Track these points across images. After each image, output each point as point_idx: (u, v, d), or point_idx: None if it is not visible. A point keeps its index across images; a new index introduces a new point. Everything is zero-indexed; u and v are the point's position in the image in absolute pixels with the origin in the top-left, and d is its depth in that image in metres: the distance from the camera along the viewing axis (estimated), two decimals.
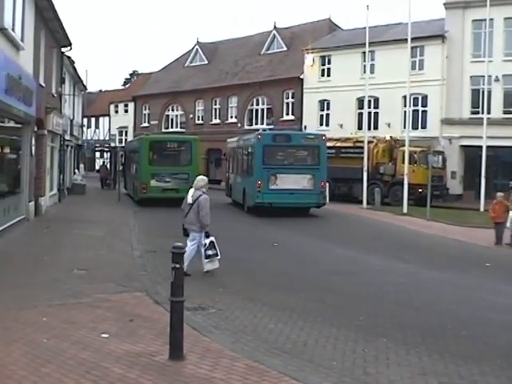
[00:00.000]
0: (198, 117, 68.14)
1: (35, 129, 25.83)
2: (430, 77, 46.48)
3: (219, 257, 15.54)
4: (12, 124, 22.24)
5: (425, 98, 47.58)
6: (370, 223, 30.38)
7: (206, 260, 15.40)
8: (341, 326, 10.66)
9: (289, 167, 31.75)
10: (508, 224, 22.31)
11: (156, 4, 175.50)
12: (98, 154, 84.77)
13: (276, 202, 31.15)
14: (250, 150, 34.63)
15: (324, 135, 33.88)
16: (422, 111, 47.92)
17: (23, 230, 22.32)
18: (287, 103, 58.08)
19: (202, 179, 16.10)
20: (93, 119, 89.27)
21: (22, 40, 21.52)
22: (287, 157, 32.16)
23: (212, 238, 15.49)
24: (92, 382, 7.36)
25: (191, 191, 15.79)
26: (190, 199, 15.60)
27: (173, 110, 72.01)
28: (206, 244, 15.38)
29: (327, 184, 33.14)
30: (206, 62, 71.92)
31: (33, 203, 25.64)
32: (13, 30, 19.80)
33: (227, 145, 45.38)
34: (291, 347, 9.41)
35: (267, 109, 60.35)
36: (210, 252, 15.40)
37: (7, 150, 22.16)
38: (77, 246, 19.08)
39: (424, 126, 47.61)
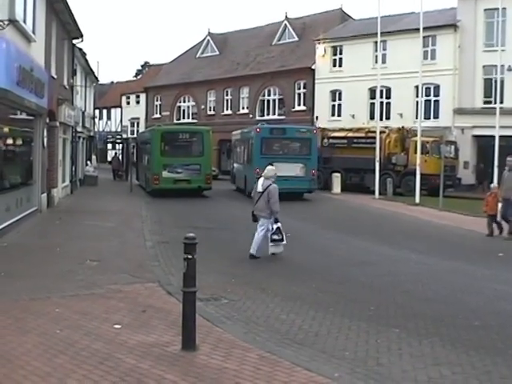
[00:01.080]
0: (210, 108, 68.15)
1: (47, 120, 25.89)
2: (443, 66, 46.34)
3: (284, 242, 16.79)
4: (24, 116, 22.30)
5: (437, 87, 47.42)
6: (382, 213, 30.33)
7: (271, 244, 16.68)
8: (353, 317, 10.64)
9: (284, 157, 35.52)
10: (498, 217, 22.10)
11: None
12: (109, 146, 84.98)
13: None
14: (250, 142, 38.62)
15: (315, 129, 38.79)
16: (435, 101, 47.79)
17: (36, 221, 22.40)
18: (299, 94, 58.01)
19: (271, 169, 17.26)
20: (104, 111, 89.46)
21: (34, 32, 21.54)
22: (282, 148, 36.42)
23: (279, 224, 16.74)
24: (105, 373, 7.38)
25: (261, 180, 17.05)
26: (260, 188, 16.87)
27: (184, 101, 72.03)
28: (273, 229, 16.60)
29: (316, 172, 37.41)
30: (218, 52, 71.88)
31: (45, 195, 25.72)
32: (24, 22, 19.81)
33: (232, 137, 48.15)
34: (303, 337, 9.41)
35: (279, 99, 60.30)
36: (275, 237, 16.65)
37: (19, 142, 22.23)
38: (89, 237, 19.14)
39: (436, 116, 47.47)
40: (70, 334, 8.96)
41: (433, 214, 29.82)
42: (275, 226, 16.65)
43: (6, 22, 17.14)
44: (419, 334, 9.76)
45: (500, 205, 21.81)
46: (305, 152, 36.39)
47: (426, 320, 10.58)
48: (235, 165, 45.23)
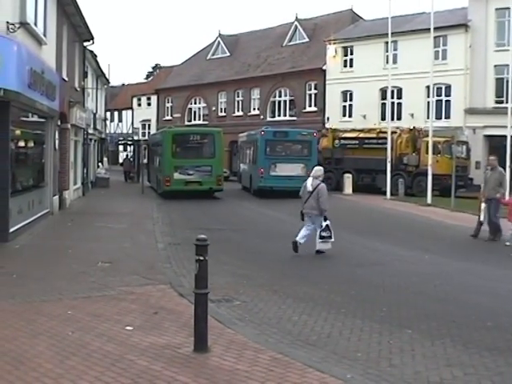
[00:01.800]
0: (221, 109, 68.23)
1: (58, 123, 25.98)
2: (454, 66, 46.23)
3: (333, 239, 17.37)
4: (35, 118, 22.37)
5: (448, 87, 47.30)
6: (393, 214, 30.27)
7: (320, 240, 17.32)
8: (365, 318, 10.62)
9: (286, 157, 38.74)
10: (481, 217, 21.49)
11: None
12: (121, 148, 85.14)
13: (275, 185, 37.83)
14: (255, 144, 41.06)
15: (315, 132, 40.90)
16: (446, 101, 47.66)
17: (48, 223, 22.46)
18: (310, 94, 58.00)
19: (319, 169, 18.28)
20: (116, 113, 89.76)
21: (45, 35, 21.60)
22: (285, 149, 39.12)
23: (328, 222, 17.36)
24: (117, 375, 7.38)
25: (310, 180, 17.87)
26: (309, 187, 17.69)
27: (195, 103, 72.13)
28: (322, 226, 17.25)
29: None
30: (228, 54, 71.93)
31: (57, 197, 25.79)
32: (35, 24, 19.86)
33: (238, 140, 50.34)
34: (315, 339, 9.39)
35: (290, 100, 60.31)
36: (324, 234, 17.28)
37: (31, 145, 22.29)
38: (101, 238, 19.18)
39: (448, 116, 47.35)
40: (82, 335, 8.97)
41: (445, 214, 29.74)
42: (324, 224, 17.29)
43: (17, 25, 17.20)
44: (432, 334, 9.73)
45: (483, 205, 21.46)
46: (305, 153, 38.87)
47: (438, 321, 10.54)
48: (241, 165, 47.83)
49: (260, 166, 38.51)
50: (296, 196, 33.21)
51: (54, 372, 7.44)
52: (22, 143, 20.50)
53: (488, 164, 22.09)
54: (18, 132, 19.46)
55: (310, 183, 17.79)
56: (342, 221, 24.44)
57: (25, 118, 20.91)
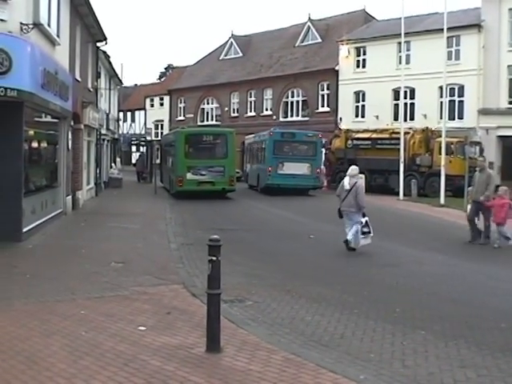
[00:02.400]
0: (233, 109, 68.26)
1: (72, 123, 26.04)
2: (467, 67, 46.04)
3: (372, 234, 18.09)
4: (49, 119, 22.42)
5: (461, 88, 47.14)
6: (406, 215, 30.22)
7: (362, 236, 18.00)
8: (378, 319, 10.59)
9: (292, 157, 41.31)
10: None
11: None
12: (134, 148, 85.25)
13: (282, 183, 40.45)
14: (263, 145, 43.79)
15: (320, 134, 43.28)
16: (459, 101, 47.50)
17: (61, 223, 22.52)
18: (322, 95, 57.95)
19: (355, 168, 18.94)
20: (129, 113, 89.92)
21: (58, 35, 21.66)
22: (292, 149, 41.65)
23: (367, 218, 18.16)
24: (129, 375, 7.39)
25: (347, 179, 18.60)
26: (347, 186, 18.40)
27: (208, 103, 72.19)
28: (362, 222, 18.00)
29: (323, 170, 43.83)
30: (241, 54, 71.96)
31: (70, 197, 25.85)
32: (48, 25, 19.92)
33: (245, 141, 52.15)
34: (328, 339, 9.37)
35: (302, 101, 60.26)
36: (365, 229, 18.04)
37: (44, 145, 22.36)
38: (114, 239, 19.22)
39: (461, 117, 47.17)
40: (95, 335, 8.99)
41: (458, 215, 29.54)
42: (363, 220, 18.06)
43: (31, 26, 17.25)
44: (445, 335, 9.70)
45: (469, 206, 21.15)
46: (311, 153, 41.75)
47: (451, 322, 10.51)
48: (248, 165, 50.49)
49: (268, 165, 40.98)
50: (301, 194, 33.99)
51: (67, 372, 7.46)
52: (35, 144, 20.56)
53: (477, 165, 21.80)
54: (31, 132, 19.52)
55: (347, 182, 18.52)
56: None
57: (38, 119, 20.97)
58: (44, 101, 18.50)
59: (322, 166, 45.99)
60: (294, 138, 42.30)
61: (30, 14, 17.60)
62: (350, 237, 18.12)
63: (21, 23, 16.77)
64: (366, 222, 18.08)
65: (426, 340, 9.43)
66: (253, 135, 48.53)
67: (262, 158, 43.71)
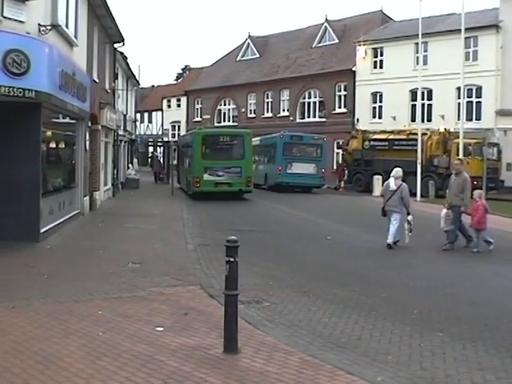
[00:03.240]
0: (250, 110, 68.31)
1: (89, 124, 26.12)
2: (485, 67, 45.90)
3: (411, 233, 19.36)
4: (66, 120, 22.51)
5: (479, 89, 46.98)
6: (424, 216, 30.05)
7: (410, 234, 19.33)
8: (395, 320, 10.56)
9: (300, 158, 45.29)
10: (442, 223, 19.91)
11: None
12: (151, 149, 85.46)
13: (291, 181, 44.52)
14: (273, 146, 46.73)
15: (325, 137, 46.82)
16: (477, 102, 47.35)
17: (78, 224, 22.59)
18: (339, 96, 57.92)
19: (399, 170, 20.00)
20: (146, 114, 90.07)
21: (76, 36, 21.75)
22: (299, 151, 45.58)
23: (411, 217, 19.47)
24: (147, 375, 7.40)
25: (392, 180, 19.73)
26: (393, 187, 19.56)
27: (225, 104, 72.29)
28: (408, 221, 19.36)
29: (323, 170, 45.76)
30: (258, 55, 72.03)
31: (87, 198, 25.93)
32: (66, 26, 20.02)
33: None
34: (346, 341, 9.35)
35: (319, 102, 60.21)
36: (411, 227, 19.35)
37: (62, 146, 22.47)
38: (131, 239, 19.26)
39: (478, 118, 47.01)
40: (113, 336, 9.01)
41: None
42: (409, 218, 19.37)
43: (49, 27, 17.34)
44: (463, 338, 9.65)
45: (444, 211, 20.02)
46: (317, 155, 45.74)
47: (469, 324, 10.46)
48: (253, 165, 50.50)
49: (278, 165, 44.85)
50: (308, 192, 34.65)
51: (84, 372, 7.48)
52: (53, 144, 20.66)
53: (453, 168, 21.48)
54: (49, 133, 19.62)
55: (392, 183, 19.65)
56: (370, 223, 24.33)
57: (56, 120, 21.06)
58: (62, 102, 18.58)
59: (334, 167, 51.55)
60: (302, 141, 46.12)
61: (48, 16, 17.70)
62: (390, 240, 19.06)
63: (39, 24, 16.87)
64: (409, 220, 19.37)
65: (444, 342, 9.39)
66: (259, 138, 49.50)
67: (271, 158, 47.35)
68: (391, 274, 15.22)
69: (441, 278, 14.65)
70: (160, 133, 79.36)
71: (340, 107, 57.62)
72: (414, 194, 38.72)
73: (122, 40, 34.34)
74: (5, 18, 15.67)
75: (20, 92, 15.53)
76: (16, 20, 15.99)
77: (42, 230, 17.97)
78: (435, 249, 19.39)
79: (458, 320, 10.70)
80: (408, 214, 19.46)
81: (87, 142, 25.26)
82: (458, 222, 19.67)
